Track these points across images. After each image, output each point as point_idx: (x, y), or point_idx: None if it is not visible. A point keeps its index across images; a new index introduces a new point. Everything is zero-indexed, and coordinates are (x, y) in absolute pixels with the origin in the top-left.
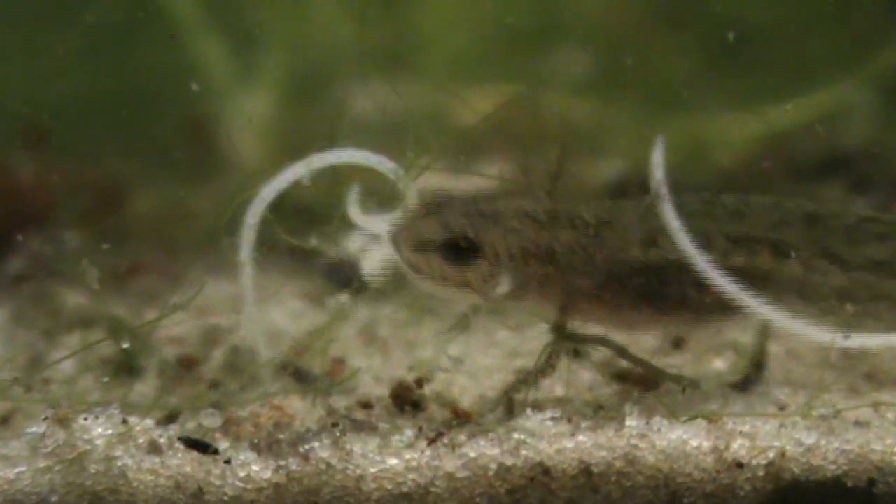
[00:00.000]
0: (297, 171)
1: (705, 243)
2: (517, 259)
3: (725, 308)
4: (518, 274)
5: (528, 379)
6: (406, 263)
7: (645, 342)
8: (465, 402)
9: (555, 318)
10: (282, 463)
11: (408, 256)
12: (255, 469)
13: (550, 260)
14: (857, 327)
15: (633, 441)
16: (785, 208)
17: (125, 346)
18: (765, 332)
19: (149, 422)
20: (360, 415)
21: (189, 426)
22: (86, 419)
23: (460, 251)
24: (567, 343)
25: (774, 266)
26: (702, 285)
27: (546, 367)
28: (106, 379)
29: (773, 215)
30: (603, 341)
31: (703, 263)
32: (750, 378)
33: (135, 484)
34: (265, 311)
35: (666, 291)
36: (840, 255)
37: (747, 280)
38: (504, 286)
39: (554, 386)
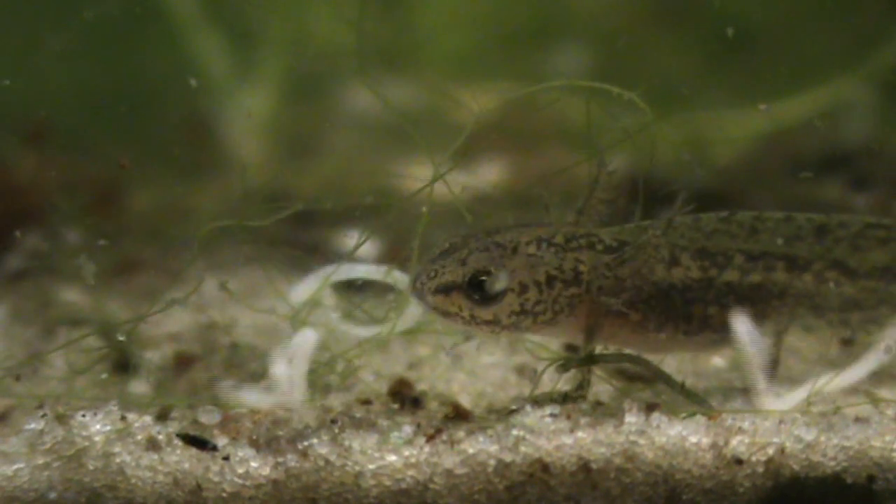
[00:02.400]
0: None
1: (724, 261)
2: (542, 285)
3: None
4: (547, 299)
5: (556, 400)
6: (432, 310)
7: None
8: (465, 400)
9: (583, 343)
10: (280, 459)
11: (432, 302)
12: (254, 465)
13: (576, 281)
14: (863, 334)
15: (633, 437)
16: (796, 222)
17: (121, 338)
18: (780, 334)
19: (147, 418)
20: (358, 411)
21: (187, 423)
22: (84, 416)
23: (484, 287)
24: (596, 366)
25: (789, 281)
26: (725, 304)
27: (577, 395)
28: (104, 375)
29: (785, 230)
30: (632, 359)
31: None
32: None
33: (133, 480)
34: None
35: (690, 311)
36: (848, 264)
37: (765, 297)
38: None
39: (556, 383)
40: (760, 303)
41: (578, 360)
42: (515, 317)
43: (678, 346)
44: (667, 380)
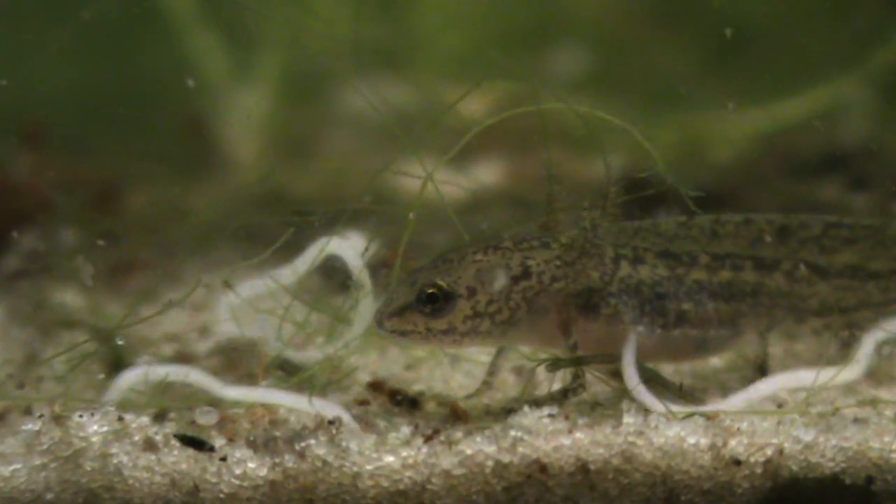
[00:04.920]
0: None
1: (690, 261)
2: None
3: (725, 323)
4: (499, 297)
5: (556, 398)
6: (390, 333)
7: None
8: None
9: (564, 341)
10: (278, 460)
11: (389, 326)
12: (251, 466)
13: (526, 275)
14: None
15: (631, 438)
16: (756, 224)
17: (119, 342)
18: (763, 335)
19: (144, 419)
20: (356, 412)
21: (184, 423)
22: (81, 416)
23: (434, 299)
24: (581, 363)
25: (760, 280)
26: (699, 301)
27: (577, 386)
28: (101, 376)
29: (746, 232)
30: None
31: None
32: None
33: (130, 481)
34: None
35: (663, 305)
36: (818, 263)
37: (737, 295)
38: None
39: (552, 383)
40: (734, 301)
41: (566, 361)
42: (470, 321)
43: (660, 345)
44: (662, 382)
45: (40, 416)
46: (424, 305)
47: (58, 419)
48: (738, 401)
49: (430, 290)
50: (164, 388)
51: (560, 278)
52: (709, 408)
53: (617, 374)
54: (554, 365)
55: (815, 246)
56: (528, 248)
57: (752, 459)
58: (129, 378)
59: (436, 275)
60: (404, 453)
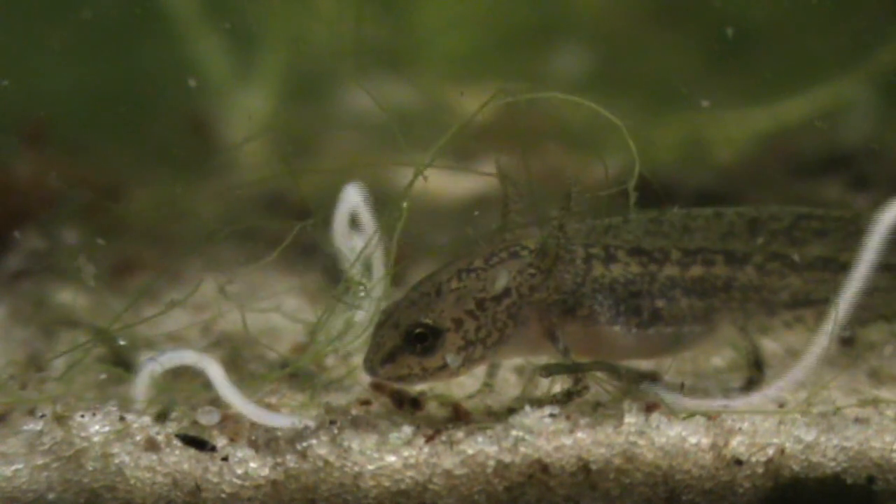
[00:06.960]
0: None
1: (662, 257)
2: (475, 311)
3: (699, 319)
4: (486, 322)
5: (559, 399)
6: (387, 381)
7: None
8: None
9: (555, 347)
10: (279, 460)
11: (383, 374)
12: (253, 466)
13: (505, 293)
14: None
15: (632, 438)
16: (727, 217)
17: (122, 342)
18: (743, 329)
19: (146, 419)
20: (358, 412)
21: (186, 423)
22: (83, 416)
23: (423, 339)
24: (576, 370)
25: (731, 274)
26: (672, 298)
27: (580, 389)
28: (103, 376)
29: (717, 226)
30: (609, 367)
31: None
32: (753, 380)
33: (132, 481)
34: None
35: (637, 304)
36: (788, 256)
37: (709, 289)
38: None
39: (553, 383)
40: (706, 296)
41: (560, 367)
42: (464, 351)
43: (636, 343)
44: (638, 381)
45: (42, 416)
46: (414, 346)
47: (59, 419)
48: (740, 404)
49: (417, 331)
50: (170, 380)
51: (537, 287)
52: (711, 403)
53: (616, 376)
54: (548, 370)
55: (785, 237)
56: (499, 261)
57: (753, 459)
58: (147, 373)
59: (417, 313)
60: (406, 453)
